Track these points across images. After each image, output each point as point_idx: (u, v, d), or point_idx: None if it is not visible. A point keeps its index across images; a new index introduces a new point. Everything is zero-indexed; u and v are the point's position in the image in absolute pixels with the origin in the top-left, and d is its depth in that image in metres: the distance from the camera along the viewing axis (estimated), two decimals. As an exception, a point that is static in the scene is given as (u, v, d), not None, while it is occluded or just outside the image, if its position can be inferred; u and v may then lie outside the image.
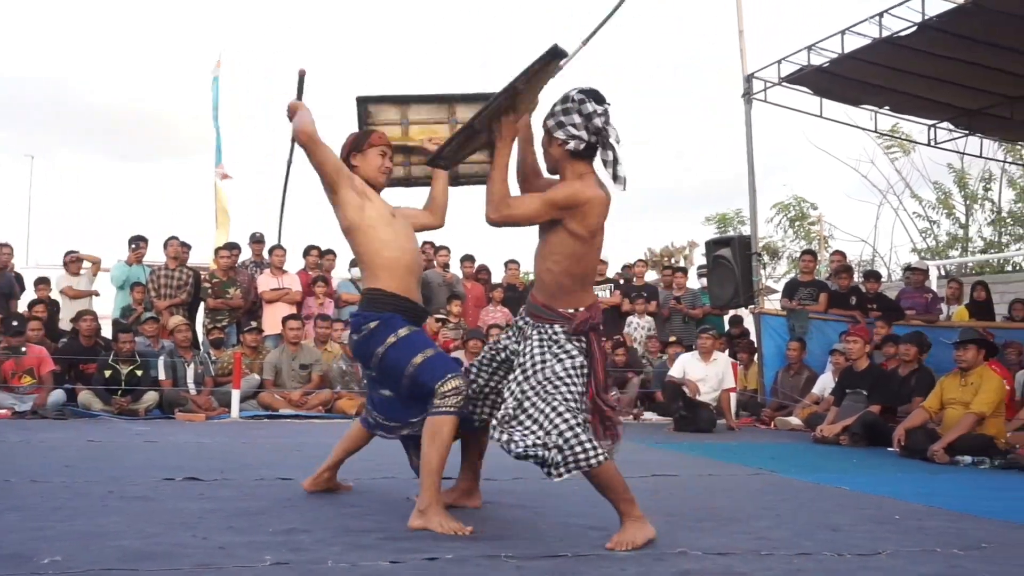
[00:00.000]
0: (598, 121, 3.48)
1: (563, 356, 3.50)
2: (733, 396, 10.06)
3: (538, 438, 3.37)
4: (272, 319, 10.82)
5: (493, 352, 3.92)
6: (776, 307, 11.50)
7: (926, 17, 9.43)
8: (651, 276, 15.96)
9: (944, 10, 9.31)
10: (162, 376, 9.65)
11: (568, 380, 3.46)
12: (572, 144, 3.49)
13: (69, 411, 9.10)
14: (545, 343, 3.54)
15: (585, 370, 3.54)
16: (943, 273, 17.91)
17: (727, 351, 11.43)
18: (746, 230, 16.14)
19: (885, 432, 7.76)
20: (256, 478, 4.84)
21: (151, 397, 9.45)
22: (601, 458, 3.36)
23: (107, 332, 10.90)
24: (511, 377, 3.58)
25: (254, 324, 10.69)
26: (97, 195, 44.53)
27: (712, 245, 11.76)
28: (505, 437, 3.41)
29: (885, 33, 9.88)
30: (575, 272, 3.58)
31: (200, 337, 11.18)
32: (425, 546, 3.24)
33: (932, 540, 3.67)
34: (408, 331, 3.89)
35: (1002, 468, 6.51)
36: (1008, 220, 23.91)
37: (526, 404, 3.45)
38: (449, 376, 3.74)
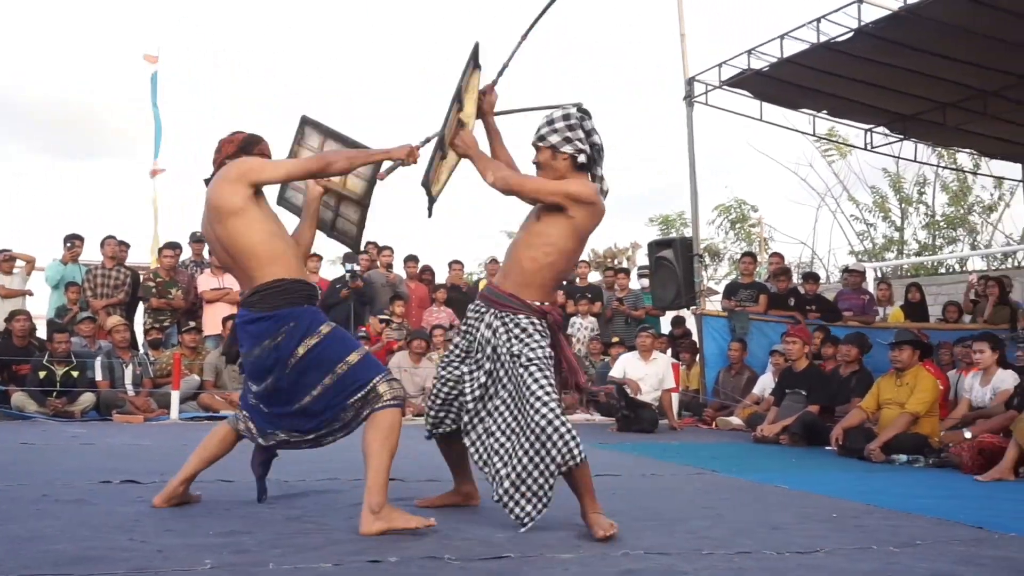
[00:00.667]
0: (597, 138, 3.83)
1: (533, 344, 3.66)
2: (675, 396, 10.15)
3: (514, 473, 3.57)
4: (212, 319, 10.69)
5: (453, 358, 3.95)
6: (717, 308, 11.62)
7: (862, 23, 9.60)
8: (594, 277, 16.04)
9: (879, 17, 9.48)
10: (99, 377, 9.48)
11: (540, 366, 3.62)
12: (581, 157, 3.76)
13: (2, 413, 8.89)
14: (512, 334, 3.69)
15: (552, 360, 3.69)
16: (879, 275, 18.23)
17: (669, 351, 11.53)
18: (688, 232, 16.29)
19: (823, 432, 7.88)
20: (195, 480, 4.76)
21: (87, 398, 9.28)
22: (580, 456, 3.53)
23: (42, 332, 10.68)
24: (490, 389, 3.76)
25: (192, 324, 10.54)
26: (31, 192, 43.56)
27: (654, 246, 11.85)
28: (516, 511, 3.59)
29: (823, 38, 10.03)
30: (559, 267, 3.79)
31: (139, 338, 10.99)
32: (368, 548, 3.22)
33: (868, 537, 3.74)
34: (330, 328, 3.77)
35: (936, 466, 6.64)
36: (942, 223, 24.41)
37: (506, 415, 3.66)
38: (385, 372, 3.72)
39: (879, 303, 12.00)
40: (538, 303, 3.73)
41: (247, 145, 3.99)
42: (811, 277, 12.15)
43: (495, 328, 3.74)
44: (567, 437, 3.52)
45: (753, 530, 3.85)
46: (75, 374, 9.34)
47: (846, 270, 13.53)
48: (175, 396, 9.30)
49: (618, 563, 3.12)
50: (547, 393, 3.57)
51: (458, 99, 3.92)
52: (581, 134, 3.77)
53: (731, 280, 12.68)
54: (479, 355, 3.81)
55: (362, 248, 4.44)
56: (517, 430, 3.63)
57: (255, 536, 3.38)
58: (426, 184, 3.93)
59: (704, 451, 7.64)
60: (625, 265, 22.60)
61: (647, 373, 9.62)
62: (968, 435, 6.72)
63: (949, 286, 15.54)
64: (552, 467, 3.52)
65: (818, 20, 9.93)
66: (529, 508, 3.57)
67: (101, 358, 9.59)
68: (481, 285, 12.63)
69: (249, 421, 4.00)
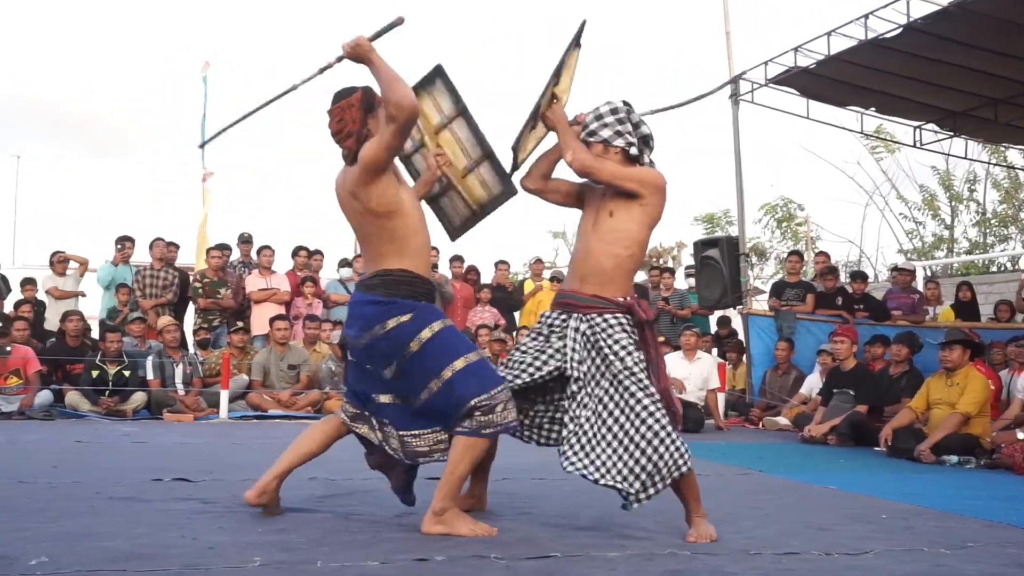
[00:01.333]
0: (645, 129, 3.88)
1: (630, 348, 3.62)
2: (721, 396, 10.09)
3: (623, 464, 3.50)
4: (260, 320, 10.79)
5: (528, 363, 3.79)
6: (764, 308, 11.53)
7: (911, 19, 9.47)
8: (639, 276, 16.00)
9: (928, 12, 9.35)
10: (150, 376, 9.61)
11: (640, 373, 3.59)
12: (633, 150, 3.81)
13: (56, 412, 9.07)
14: (605, 337, 3.64)
15: (644, 363, 3.64)
16: (929, 274, 17.98)
17: (715, 351, 11.46)
18: (734, 231, 16.18)
19: (872, 432, 7.79)
20: (245, 478, 4.80)
21: (139, 398, 9.43)
22: (690, 463, 3.50)
23: (96, 333, 10.87)
24: (579, 387, 3.66)
25: (240, 324, 10.66)
26: (84, 195, 44.37)
27: (700, 246, 11.77)
28: (580, 464, 3.55)
29: (871, 35, 9.91)
30: (639, 258, 3.85)
31: (188, 338, 11.14)
32: (415, 547, 3.24)
33: (918, 539, 3.69)
34: (443, 325, 3.62)
35: (987, 468, 6.54)
36: (993, 221, 24.03)
37: (606, 417, 3.58)
38: (494, 391, 3.51)
39: (928, 302, 11.84)
40: (622, 299, 3.73)
41: (368, 106, 3.64)
42: (859, 276, 12.00)
43: (584, 331, 3.69)
44: (676, 445, 3.47)
45: (801, 531, 3.82)
46: (126, 373, 9.49)
47: (895, 269, 13.36)
48: (224, 395, 9.42)
49: (665, 563, 3.12)
50: (654, 403, 3.53)
51: (556, 73, 3.94)
52: (630, 127, 3.82)
53: (778, 279, 12.58)
54: (572, 352, 3.69)
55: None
56: (622, 437, 3.54)
57: (303, 534, 3.41)
58: (515, 149, 4.06)
59: (750, 451, 7.58)
60: (671, 264, 22.51)
61: (691, 372, 9.58)
62: (1021, 436, 6.62)
63: (1001, 284, 15.27)
64: (663, 474, 3.48)
65: (866, 16, 9.82)
66: (641, 490, 3.50)
67: (152, 358, 9.72)
68: (527, 286, 12.64)
69: (359, 413, 3.79)
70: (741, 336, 11.64)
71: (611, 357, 3.60)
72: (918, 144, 13.67)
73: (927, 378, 7.59)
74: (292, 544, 3.22)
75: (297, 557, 3.02)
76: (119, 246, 11.44)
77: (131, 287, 11.05)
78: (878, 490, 5.21)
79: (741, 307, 11.13)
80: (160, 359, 9.74)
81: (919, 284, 13.32)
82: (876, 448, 7.48)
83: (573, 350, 3.69)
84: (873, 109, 12.49)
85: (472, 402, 3.47)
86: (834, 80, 11.19)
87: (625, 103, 3.87)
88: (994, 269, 20.95)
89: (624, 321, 3.69)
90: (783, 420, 9.71)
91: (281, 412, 9.59)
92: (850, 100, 12.12)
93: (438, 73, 4.11)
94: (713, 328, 12.69)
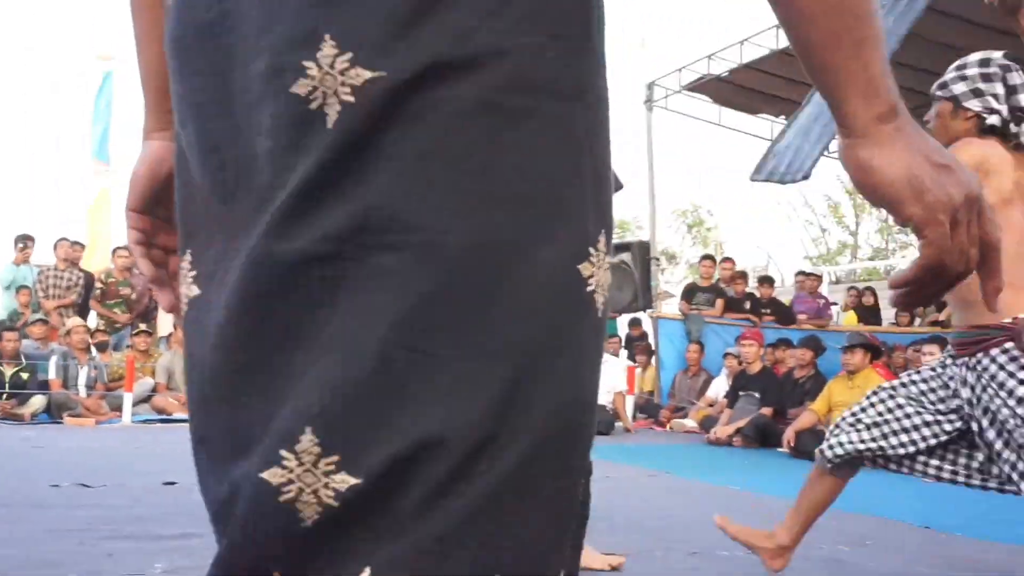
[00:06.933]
0: (1022, 98, 2.76)
1: None
2: (630, 399, 10.19)
3: None
4: (167, 321, 10.56)
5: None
6: (674, 311, 11.69)
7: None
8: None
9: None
10: (52, 376, 9.31)
11: None
12: (992, 119, 2.74)
13: (-51, 415, 8.75)
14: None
15: None
16: (834, 279, 18.42)
17: (624, 353, 11.56)
18: (643, 235, 16.36)
19: (776, 434, 7.95)
20: (147, 483, 4.72)
21: (38, 401, 9.12)
22: None
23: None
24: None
25: (143, 327, 10.40)
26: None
27: (612, 249, 11.85)
28: None
29: (782, 45, 10.13)
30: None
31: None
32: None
33: (819, 537, 3.77)
34: None
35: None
36: (894, 228, 24.73)
37: None
38: None
39: (845, 308, 12.09)
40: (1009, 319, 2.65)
41: None
42: (766, 280, 12.24)
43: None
44: None
45: (706, 530, 3.87)
46: (25, 376, 9.18)
47: (801, 273, 13.67)
48: (128, 399, 9.17)
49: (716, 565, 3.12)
50: None
51: None
52: (1000, 89, 2.74)
53: (689, 283, 12.78)
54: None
55: None
56: None
57: (207, 539, 3.30)
58: None
59: (658, 453, 7.67)
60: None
61: (600, 375, 9.63)
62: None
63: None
64: None
65: (778, 26, 9.97)
66: None
67: (56, 358, 9.43)
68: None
69: None
70: (651, 339, 11.78)
71: None
72: (827, 152, 13.96)
73: (829, 381, 7.77)
74: (195, 549, 3.16)
75: (200, 562, 2.96)
76: (21, 245, 11.05)
77: (32, 288, 10.70)
78: (781, 490, 5.30)
79: (651, 311, 11.26)
80: (65, 361, 9.45)
81: (824, 289, 13.63)
82: (780, 449, 7.63)
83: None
84: (783, 117, 12.74)
85: None
86: (746, 88, 11.39)
87: (1008, 58, 2.78)
88: (896, 275, 21.55)
89: None
90: (690, 422, 9.85)
91: (187, 415, 9.34)
92: (762, 108, 12.35)
93: None
94: (623, 331, 12.80)
